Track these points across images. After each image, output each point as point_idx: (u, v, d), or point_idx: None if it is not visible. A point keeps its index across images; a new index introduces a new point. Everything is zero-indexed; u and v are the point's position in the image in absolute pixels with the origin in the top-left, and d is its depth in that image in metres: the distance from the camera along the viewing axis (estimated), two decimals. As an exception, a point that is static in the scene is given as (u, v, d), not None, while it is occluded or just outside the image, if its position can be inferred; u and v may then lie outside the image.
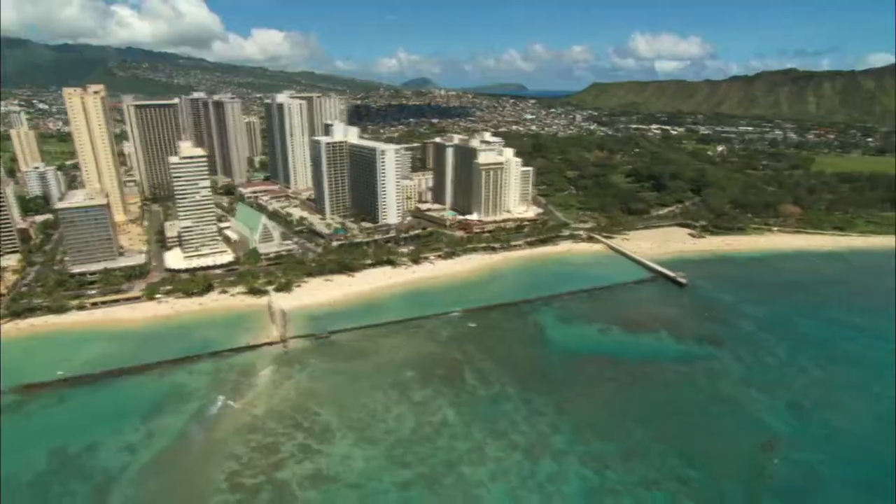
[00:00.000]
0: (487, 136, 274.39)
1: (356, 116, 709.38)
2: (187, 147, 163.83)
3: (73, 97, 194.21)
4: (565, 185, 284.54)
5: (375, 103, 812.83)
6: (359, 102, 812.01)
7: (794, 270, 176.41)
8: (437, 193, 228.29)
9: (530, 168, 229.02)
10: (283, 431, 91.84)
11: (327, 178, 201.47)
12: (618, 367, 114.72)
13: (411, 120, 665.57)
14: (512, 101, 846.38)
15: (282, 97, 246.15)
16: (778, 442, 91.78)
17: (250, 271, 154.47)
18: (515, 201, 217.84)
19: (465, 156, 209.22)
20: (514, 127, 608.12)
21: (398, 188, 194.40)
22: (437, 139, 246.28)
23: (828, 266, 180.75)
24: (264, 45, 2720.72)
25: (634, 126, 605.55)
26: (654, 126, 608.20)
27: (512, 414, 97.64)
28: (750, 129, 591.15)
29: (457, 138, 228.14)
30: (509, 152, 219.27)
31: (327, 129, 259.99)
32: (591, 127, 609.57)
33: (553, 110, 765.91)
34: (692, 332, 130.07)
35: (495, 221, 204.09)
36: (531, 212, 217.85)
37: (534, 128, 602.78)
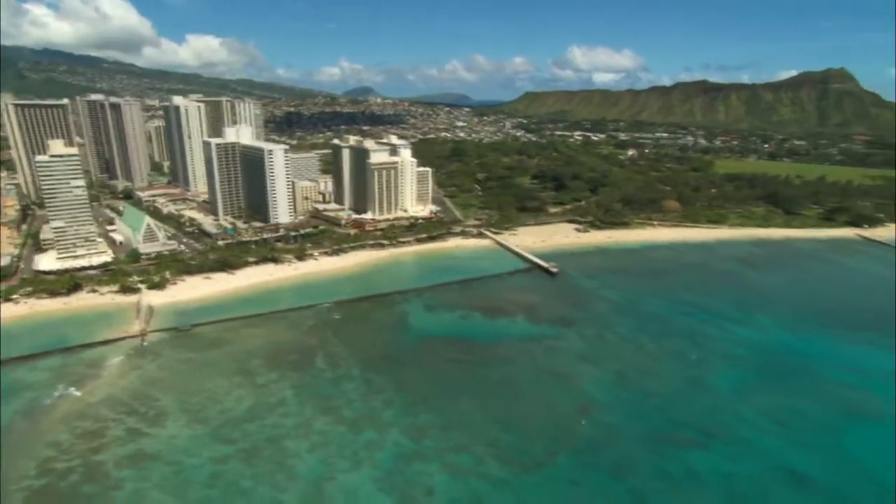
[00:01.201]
0: (394, 139, 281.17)
1: (287, 123, 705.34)
2: (57, 145, 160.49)
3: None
4: (472, 187, 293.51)
5: (309, 110, 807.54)
6: (291, 109, 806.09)
7: (662, 259, 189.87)
8: (337, 194, 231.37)
9: (428, 169, 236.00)
10: (114, 417, 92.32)
11: (219, 180, 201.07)
12: (467, 348, 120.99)
13: (342, 127, 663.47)
14: (447, 109, 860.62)
15: (179, 99, 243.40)
16: (592, 406, 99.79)
17: (122, 270, 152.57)
18: (412, 200, 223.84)
19: (360, 157, 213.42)
20: (443, 134, 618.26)
21: (289, 188, 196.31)
22: (335, 141, 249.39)
23: (693, 255, 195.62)
24: (200, 51, 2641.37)
25: (559, 133, 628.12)
26: (577, 132, 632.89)
27: (349, 392, 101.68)
28: (665, 135, 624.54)
29: (352, 139, 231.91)
30: (406, 154, 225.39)
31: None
32: (518, 134, 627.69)
33: (486, 118, 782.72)
34: (548, 315, 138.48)
35: (388, 220, 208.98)
36: (427, 210, 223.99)
37: (462, 134, 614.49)
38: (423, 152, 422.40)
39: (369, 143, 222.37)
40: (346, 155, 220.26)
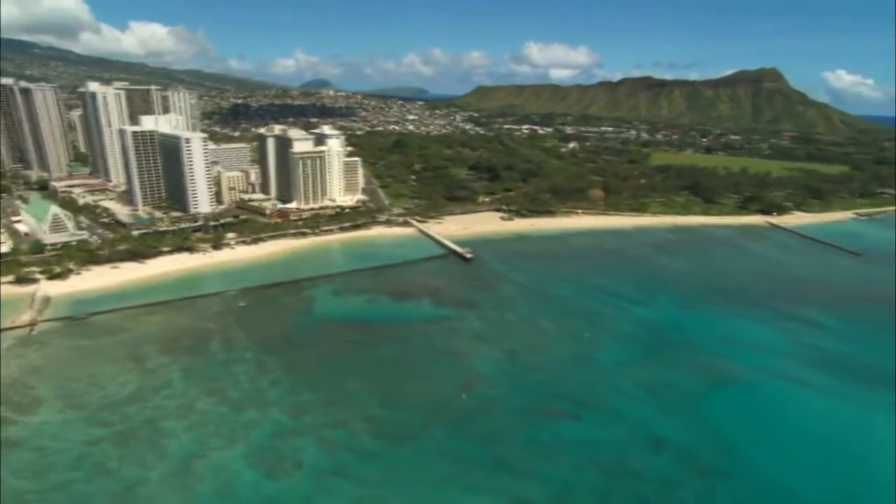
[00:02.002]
0: (327, 129, 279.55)
1: (234, 115, 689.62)
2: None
3: None
4: (408, 177, 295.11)
5: (258, 102, 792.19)
6: (239, 101, 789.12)
7: (579, 245, 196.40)
8: (264, 184, 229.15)
9: (357, 159, 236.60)
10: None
11: (136, 169, 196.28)
12: (367, 329, 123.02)
13: (290, 119, 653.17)
14: (400, 102, 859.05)
15: (95, 86, 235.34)
16: (477, 382, 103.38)
17: (17, 260, 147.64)
18: (340, 190, 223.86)
19: (284, 146, 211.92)
20: (392, 126, 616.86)
21: (209, 177, 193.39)
22: (261, 131, 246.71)
23: (610, 240, 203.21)
24: (145, 39, 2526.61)
25: (507, 126, 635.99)
26: (525, 126, 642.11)
27: (239, 374, 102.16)
28: (610, 129, 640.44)
29: (277, 129, 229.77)
30: (334, 143, 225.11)
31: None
32: (467, 127, 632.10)
33: (437, 111, 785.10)
34: (454, 298, 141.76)
35: (313, 209, 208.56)
36: (356, 200, 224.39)
37: (411, 127, 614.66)
38: (367, 144, 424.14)
39: (294, 133, 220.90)
40: (270, 144, 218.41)
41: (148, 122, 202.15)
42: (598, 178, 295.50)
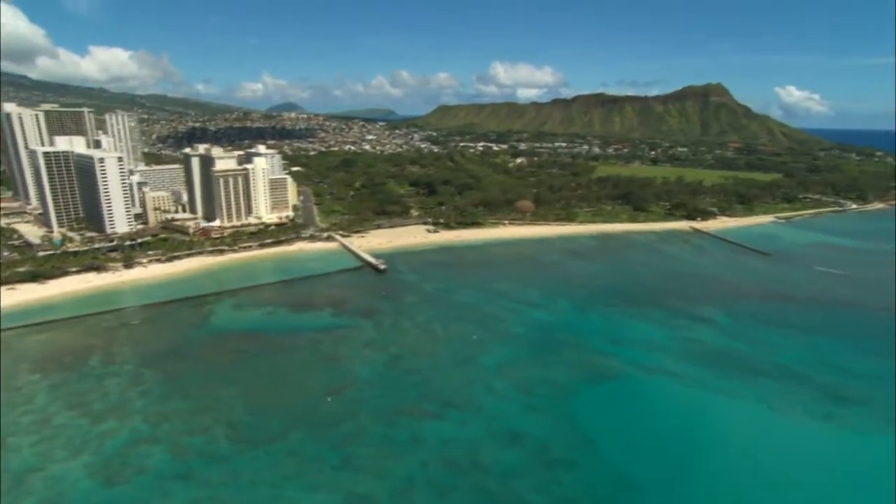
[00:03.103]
0: (262, 148, 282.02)
1: (189, 138, 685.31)
2: None
3: None
4: (346, 194, 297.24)
5: (216, 126, 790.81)
6: (197, 124, 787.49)
7: (498, 254, 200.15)
8: (191, 203, 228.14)
9: (285, 177, 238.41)
10: None
11: (49, 190, 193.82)
12: (257, 340, 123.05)
13: (246, 141, 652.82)
14: (361, 123, 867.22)
15: (10, 107, 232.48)
16: (349, 386, 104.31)
17: None
18: (267, 207, 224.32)
19: (207, 165, 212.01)
20: (348, 146, 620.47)
21: (125, 196, 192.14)
22: (187, 150, 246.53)
23: (530, 249, 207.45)
24: (106, 64, 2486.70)
25: (464, 144, 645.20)
26: (481, 143, 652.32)
27: (110, 387, 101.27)
28: (563, 144, 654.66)
29: (202, 148, 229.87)
30: (261, 161, 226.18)
31: (98, 143, 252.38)
32: (423, 145, 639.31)
33: (398, 131, 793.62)
34: (355, 308, 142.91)
35: (235, 226, 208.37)
36: (284, 216, 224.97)
37: (367, 147, 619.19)
38: (316, 163, 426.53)
39: (216, 151, 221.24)
40: (195, 164, 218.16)
41: (62, 143, 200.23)
42: (533, 189, 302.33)
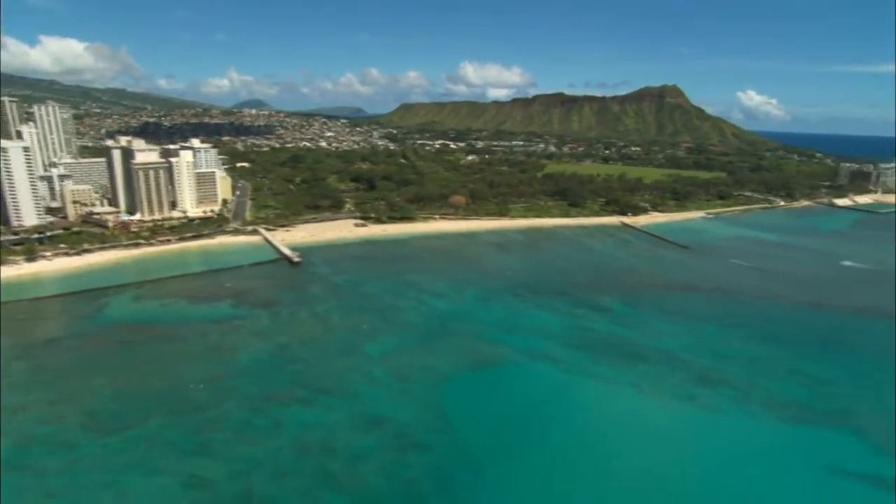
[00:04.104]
0: (196, 142, 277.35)
1: (141, 133, 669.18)
2: None
3: None
4: (286, 188, 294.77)
5: (172, 121, 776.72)
6: (151, 119, 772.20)
7: (421, 247, 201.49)
8: (113, 196, 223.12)
9: (214, 171, 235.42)
10: None
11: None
12: (146, 331, 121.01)
13: (200, 137, 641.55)
14: (323, 120, 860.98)
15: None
16: (225, 374, 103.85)
17: None
18: (192, 201, 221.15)
19: (128, 157, 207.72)
20: (305, 143, 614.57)
21: (34, 188, 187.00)
22: (109, 142, 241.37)
23: (455, 242, 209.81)
24: (59, 55, 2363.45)
25: (421, 141, 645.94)
26: (439, 141, 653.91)
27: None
28: (521, 143, 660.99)
29: (123, 140, 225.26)
30: (186, 155, 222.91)
31: (19, 135, 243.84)
32: (381, 143, 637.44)
33: (358, 129, 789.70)
34: (256, 299, 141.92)
35: (156, 220, 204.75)
36: (210, 210, 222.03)
37: (323, 143, 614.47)
38: (264, 159, 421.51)
39: (137, 144, 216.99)
40: (116, 157, 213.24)
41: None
42: (472, 186, 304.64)
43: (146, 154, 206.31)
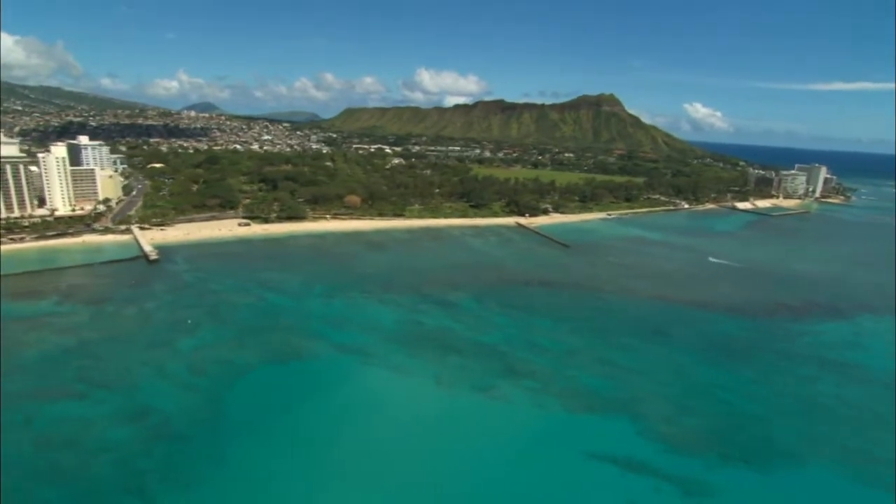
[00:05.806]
0: (84, 139, 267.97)
1: (60, 132, 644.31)
2: None
3: None
4: (186, 188, 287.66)
5: (100, 121, 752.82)
6: (77, 119, 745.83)
7: (296, 245, 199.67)
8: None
9: (93, 167, 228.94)
10: None
11: None
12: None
13: (128, 139, 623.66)
14: (264, 124, 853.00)
15: None
16: (8, 371, 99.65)
17: None
18: (65, 198, 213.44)
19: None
20: (236, 146, 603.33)
21: None
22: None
23: (333, 241, 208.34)
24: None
25: (356, 145, 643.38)
26: (375, 146, 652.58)
27: None
28: (458, 148, 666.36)
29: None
30: (58, 151, 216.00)
31: None
32: (315, 146, 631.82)
33: (299, 132, 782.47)
34: (87, 296, 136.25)
35: (16, 217, 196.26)
36: (85, 208, 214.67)
37: (255, 146, 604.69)
38: (178, 160, 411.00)
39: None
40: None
41: None
42: (383, 187, 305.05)
43: (7, 148, 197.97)
